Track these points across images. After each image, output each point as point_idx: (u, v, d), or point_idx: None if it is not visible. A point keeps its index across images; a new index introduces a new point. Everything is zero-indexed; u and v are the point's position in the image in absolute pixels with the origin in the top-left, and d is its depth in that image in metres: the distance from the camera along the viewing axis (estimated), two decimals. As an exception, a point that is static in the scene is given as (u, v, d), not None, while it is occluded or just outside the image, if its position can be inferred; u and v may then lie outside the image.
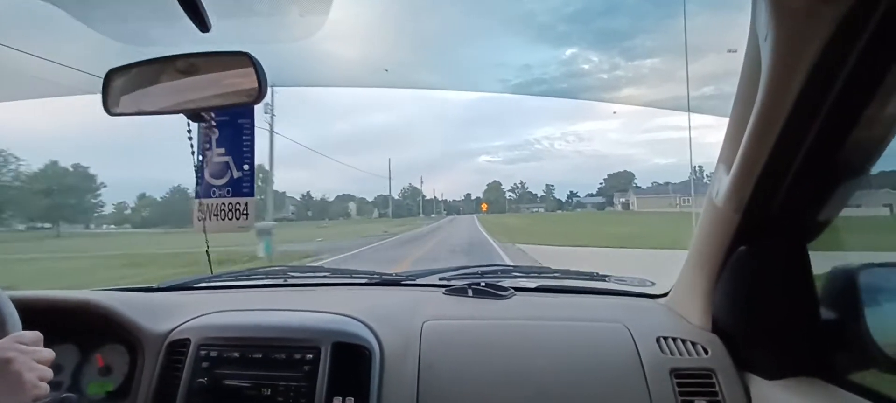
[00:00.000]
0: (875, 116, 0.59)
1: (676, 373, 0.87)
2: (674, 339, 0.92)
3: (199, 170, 0.91)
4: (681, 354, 0.90)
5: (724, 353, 0.88)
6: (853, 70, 0.54)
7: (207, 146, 0.87)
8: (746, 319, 0.85)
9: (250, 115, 0.85)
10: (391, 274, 1.35)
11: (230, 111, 0.84)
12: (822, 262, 0.78)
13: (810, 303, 0.76)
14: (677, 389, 0.85)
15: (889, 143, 0.63)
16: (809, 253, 0.78)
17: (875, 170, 0.68)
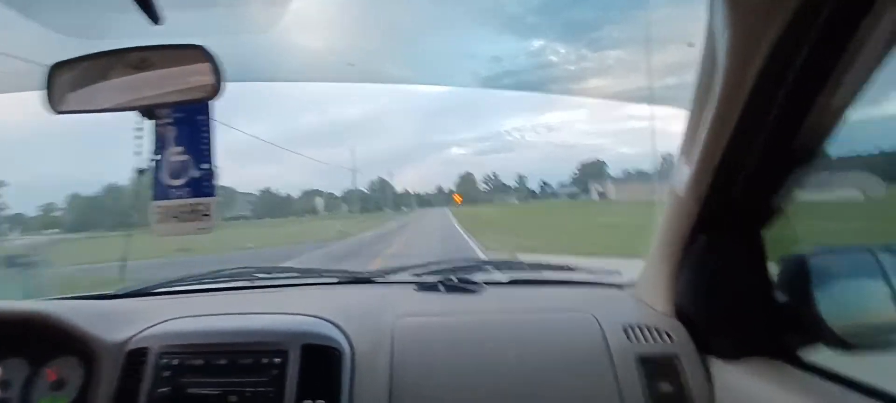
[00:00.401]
0: (823, 109, 0.62)
1: (642, 360, 0.89)
2: (639, 327, 0.95)
3: (156, 170, 0.86)
4: (646, 341, 0.92)
5: (687, 339, 0.92)
6: (803, 66, 0.57)
7: (162, 145, 0.82)
8: (707, 305, 0.89)
9: (207, 111, 0.81)
10: (362, 273, 1.33)
11: (187, 108, 0.80)
12: (776, 248, 0.82)
13: (766, 288, 0.80)
14: (643, 375, 0.88)
15: (834, 135, 0.66)
16: (765, 239, 0.82)
17: (822, 160, 0.72)
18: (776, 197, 0.77)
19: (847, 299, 0.81)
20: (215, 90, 0.64)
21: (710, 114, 0.67)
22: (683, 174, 0.78)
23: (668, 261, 0.93)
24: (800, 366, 0.75)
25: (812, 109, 0.62)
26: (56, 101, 0.69)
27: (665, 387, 0.86)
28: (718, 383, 0.84)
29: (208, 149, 0.84)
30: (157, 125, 0.77)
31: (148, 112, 0.71)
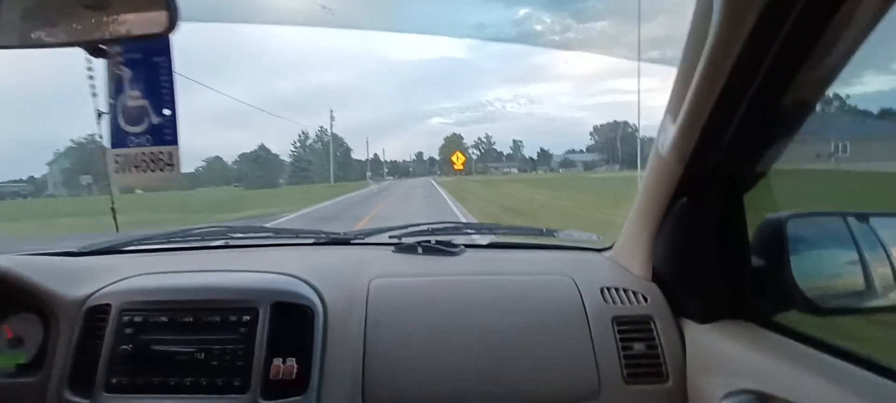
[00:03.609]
0: (810, 74, 0.61)
1: (618, 321, 0.90)
2: (616, 289, 0.96)
3: (112, 115, 0.80)
4: (622, 303, 0.93)
5: (662, 301, 0.93)
6: (793, 28, 0.56)
7: (119, 88, 0.76)
8: (683, 268, 0.89)
9: (167, 53, 0.74)
10: (339, 234, 1.30)
11: (143, 48, 0.73)
12: (754, 213, 0.82)
13: (742, 251, 0.80)
14: (618, 335, 0.89)
15: (819, 101, 0.66)
16: (745, 204, 0.82)
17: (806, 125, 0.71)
18: (759, 159, 0.76)
19: (819, 264, 0.83)
20: (170, 24, 0.58)
21: (699, 74, 0.65)
22: (669, 134, 0.76)
23: (648, 225, 0.92)
24: (771, 328, 0.76)
25: (801, 73, 0.61)
26: None
27: (639, 347, 0.87)
28: (690, 344, 0.86)
29: (170, 95, 0.78)
30: (109, 65, 0.71)
31: (96, 50, 0.65)
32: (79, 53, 0.66)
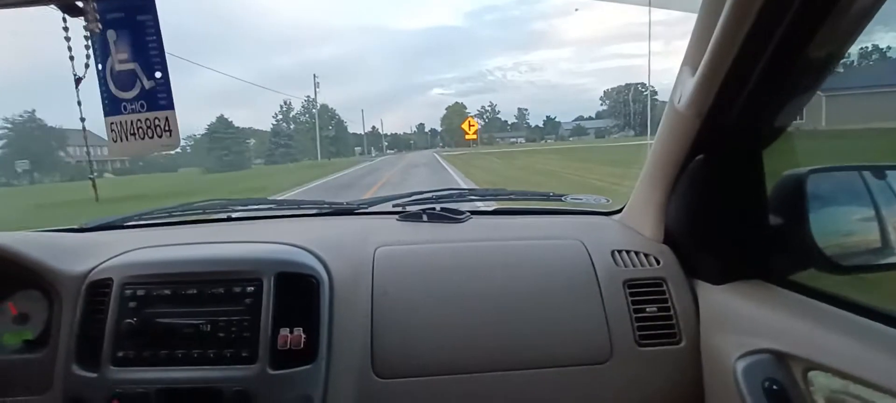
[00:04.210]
0: (836, 25, 0.58)
1: (629, 283, 0.89)
2: (627, 252, 0.94)
3: (102, 81, 0.76)
4: (634, 265, 0.92)
5: (675, 262, 0.91)
6: None
7: (104, 52, 0.72)
8: (697, 228, 0.87)
9: (152, 10, 0.69)
10: (342, 203, 1.28)
11: (125, 6, 0.69)
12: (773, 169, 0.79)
13: (760, 209, 0.78)
14: (630, 298, 0.88)
15: (844, 52, 0.63)
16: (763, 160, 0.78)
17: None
18: (779, 114, 0.73)
19: (838, 220, 0.80)
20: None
21: (721, 23, 0.60)
22: (686, 88, 0.72)
23: (661, 185, 0.90)
24: (788, 287, 0.74)
25: (826, 23, 0.57)
26: None
27: (651, 310, 0.86)
28: (704, 305, 0.85)
29: (159, 56, 0.73)
30: (87, 25, 0.66)
31: (70, 8, 0.60)
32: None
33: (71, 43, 0.64)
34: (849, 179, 0.84)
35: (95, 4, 0.61)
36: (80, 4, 0.60)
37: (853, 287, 0.72)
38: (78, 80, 0.67)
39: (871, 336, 0.58)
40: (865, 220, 0.79)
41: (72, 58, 0.65)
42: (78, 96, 0.69)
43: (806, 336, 0.63)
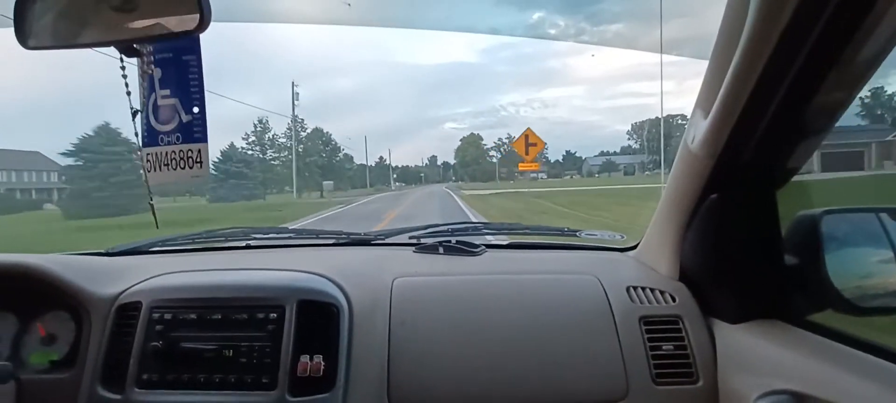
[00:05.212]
0: (845, 70, 0.60)
1: (645, 320, 0.89)
2: (643, 288, 0.94)
3: (144, 115, 0.82)
4: (650, 302, 0.92)
5: (691, 300, 0.91)
6: (829, 22, 0.55)
7: (149, 87, 0.77)
8: (713, 266, 0.87)
9: (196, 51, 0.75)
10: (359, 234, 1.31)
11: (173, 47, 0.75)
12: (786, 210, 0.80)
13: (775, 249, 0.78)
14: (646, 335, 0.87)
15: (855, 96, 0.65)
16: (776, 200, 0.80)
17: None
18: (792, 155, 0.75)
19: (855, 262, 0.80)
20: (201, 23, 0.59)
21: (733, 68, 0.63)
22: (699, 129, 0.75)
23: (675, 222, 0.91)
24: (806, 328, 0.74)
25: (836, 68, 0.59)
26: (26, 34, 0.64)
27: (667, 348, 0.86)
28: (721, 344, 0.84)
29: (199, 93, 0.79)
30: (140, 65, 0.72)
31: (128, 50, 0.66)
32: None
33: (127, 80, 0.69)
34: (865, 221, 0.84)
35: (151, 47, 0.67)
36: (137, 46, 0.65)
37: (871, 328, 0.72)
38: (134, 113, 0.72)
39: (891, 379, 0.57)
40: (883, 262, 0.79)
41: (128, 93, 0.70)
42: (135, 127, 0.74)
43: (826, 378, 0.63)
